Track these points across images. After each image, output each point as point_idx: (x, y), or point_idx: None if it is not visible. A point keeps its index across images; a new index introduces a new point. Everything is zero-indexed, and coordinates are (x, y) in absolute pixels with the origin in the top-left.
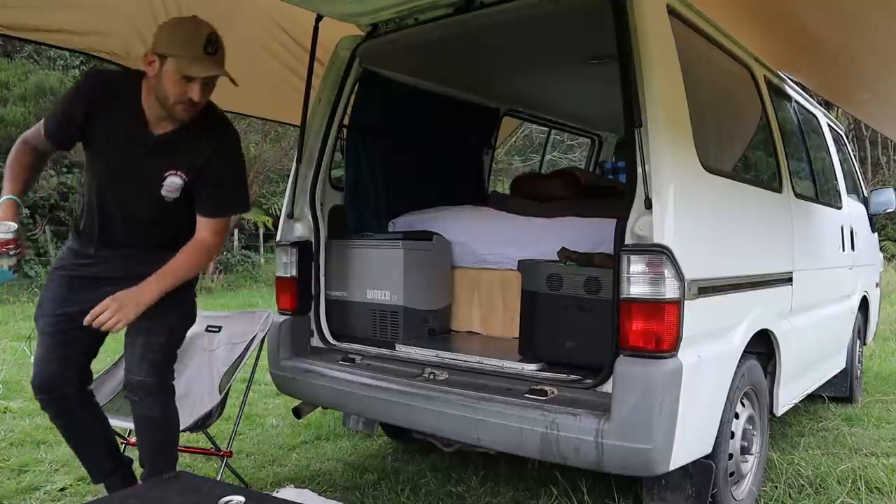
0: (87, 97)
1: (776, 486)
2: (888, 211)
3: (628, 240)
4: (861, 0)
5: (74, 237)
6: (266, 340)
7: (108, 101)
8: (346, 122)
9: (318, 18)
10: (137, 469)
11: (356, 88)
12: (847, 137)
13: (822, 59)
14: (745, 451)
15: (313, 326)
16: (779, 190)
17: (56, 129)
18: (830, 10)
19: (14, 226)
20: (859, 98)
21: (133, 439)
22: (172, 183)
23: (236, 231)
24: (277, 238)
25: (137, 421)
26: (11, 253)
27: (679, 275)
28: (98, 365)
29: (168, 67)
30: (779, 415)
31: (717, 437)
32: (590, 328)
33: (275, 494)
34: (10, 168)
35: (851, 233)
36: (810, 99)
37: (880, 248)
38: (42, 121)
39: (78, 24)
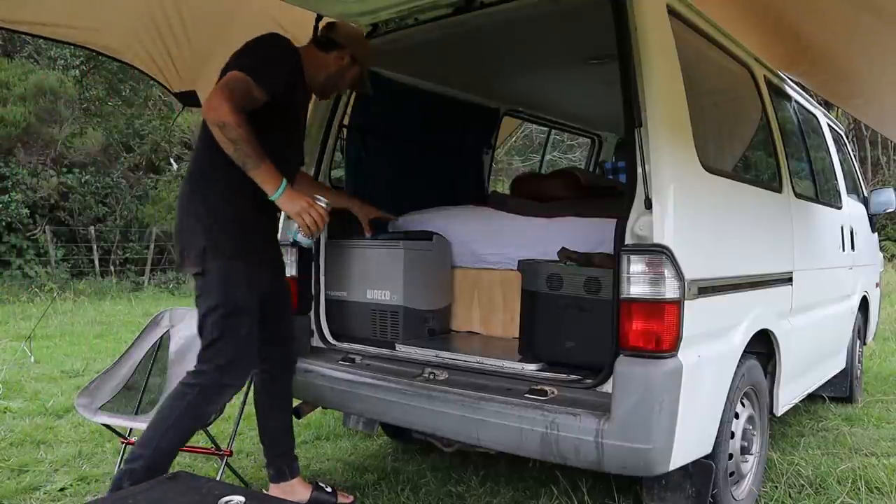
0: (294, 56)
1: (776, 486)
2: (888, 211)
3: (628, 240)
4: (848, 4)
5: (244, 220)
6: None
7: (299, 65)
8: (346, 122)
9: (318, 18)
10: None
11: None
12: (847, 137)
13: (819, 64)
14: (745, 451)
15: (313, 326)
16: (779, 190)
17: (277, 86)
18: (821, 15)
19: (326, 200)
20: (854, 102)
21: (133, 439)
22: None
23: None
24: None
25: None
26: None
27: (679, 275)
28: (99, 365)
29: (358, 69)
30: (779, 415)
31: (717, 437)
32: (590, 328)
33: None
34: (256, 146)
35: (851, 233)
36: (810, 99)
37: (880, 248)
38: (251, 84)
39: (76, 19)
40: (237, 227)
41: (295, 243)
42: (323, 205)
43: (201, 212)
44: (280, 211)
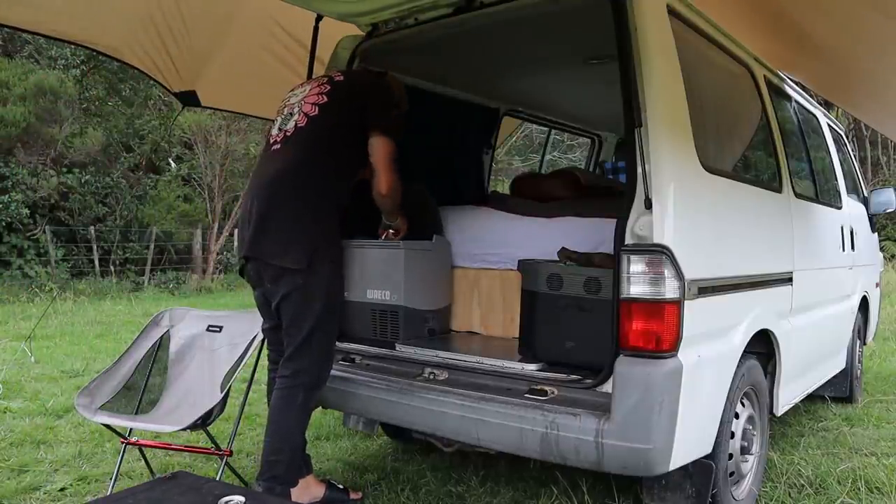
0: None
1: (776, 486)
2: (888, 211)
3: (628, 240)
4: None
5: (337, 231)
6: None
7: None
8: None
9: (318, 18)
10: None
11: None
12: (847, 137)
13: (821, 59)
14: (745, 451)
15: None
16: (779, 190)
17: None
18: (826, 10)
19: None
20: (858, 98)
21: (134, 439)
22: None
23: (237, 231)
24: None
25: None
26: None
27: (679, 275)
28: (99, 365)
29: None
30: (779, 415)
31: (717, 437)
32: (590, 328)
33: None
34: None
35: (851, 233)
36: (810, 99)
37: (880, 248)
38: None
39: (76, 19)
40: (338, 236)
41: None
42: None
43: (313, 215)
44: None
